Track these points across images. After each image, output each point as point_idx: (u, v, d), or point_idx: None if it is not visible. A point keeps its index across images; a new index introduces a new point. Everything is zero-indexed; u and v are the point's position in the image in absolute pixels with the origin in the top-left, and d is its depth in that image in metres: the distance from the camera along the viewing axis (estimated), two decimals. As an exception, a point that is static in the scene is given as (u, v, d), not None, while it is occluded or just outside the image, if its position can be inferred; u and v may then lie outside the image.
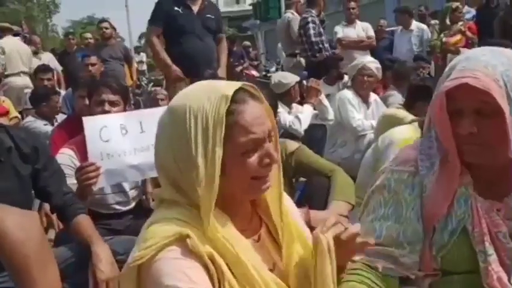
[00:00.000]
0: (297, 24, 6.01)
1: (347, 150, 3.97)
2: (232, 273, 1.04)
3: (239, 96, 1.07)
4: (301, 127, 3.75)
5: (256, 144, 1.07)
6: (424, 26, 7.05)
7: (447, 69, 1.25)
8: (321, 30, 5.88)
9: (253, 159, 1.07)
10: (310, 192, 2.30)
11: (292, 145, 2.41)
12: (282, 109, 3.76)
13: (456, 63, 1.24)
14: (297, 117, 3.77)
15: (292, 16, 6.31)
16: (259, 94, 1.11)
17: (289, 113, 3.89)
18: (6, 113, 2.96)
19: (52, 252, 1.35)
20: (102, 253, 1.91)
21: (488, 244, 1.22)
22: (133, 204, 2.72)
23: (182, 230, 1.03)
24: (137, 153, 2.44)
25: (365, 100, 4.14)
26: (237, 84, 1.08)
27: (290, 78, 4.04)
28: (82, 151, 2.44)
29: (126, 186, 2.65)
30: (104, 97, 2.56)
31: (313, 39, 5.73)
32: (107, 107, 2.53)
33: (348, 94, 4.10)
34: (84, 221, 2.09)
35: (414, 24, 6.97)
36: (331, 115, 4.02)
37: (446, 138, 1.24)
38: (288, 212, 1.22)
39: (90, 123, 2.40)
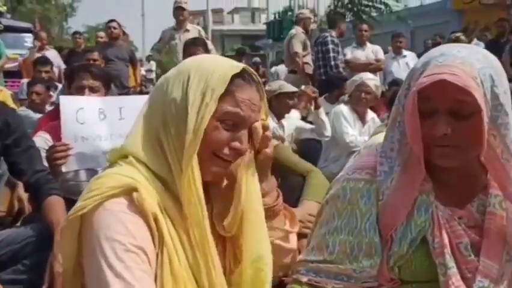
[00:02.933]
0: (298, 39, 6.14)
1: (338, 165, 3.88)
2: (179, 237, 1.04)
3: (247, 76, 1.11)
4: (284, 133, 3.74)
5: (237, 122, 1.08)
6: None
7: (418, 65, 1.19)
8: (339, 50, 6.08)
9: (226, 134, 1.08)
10: (285, 188, 2.19)
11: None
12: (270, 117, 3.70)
13: (429, 59, 1.17)
14: (280, 123, 3.77)
15: (295, 32, 6.39)
16: (263, 92, 1.15)
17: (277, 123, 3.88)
18: None
19: None
20: None
21: (449, 256, 1.17)
22: None
23: (131, 182, 1.02)
24: (114, 139, 2.37)
25: (362, 117, 4.14)
26: (248, 68, 1.13)
27: (287, 88, 4.03)
28: (58, 136, 2.39)
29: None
30: (84, 83, 2.51)
31: (331, 54, 5.88)
32: (86, 93, 2.48)
33: (343, 109, 4.11)
34: (55, 203, 2.02)
35: (406, 51, 7.00)
36: (328, 131, 4.02)
37: (415, 139, 1.17)
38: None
39: (67, 102, 2.36)
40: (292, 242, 1.26)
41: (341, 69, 5.86)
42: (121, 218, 1.00)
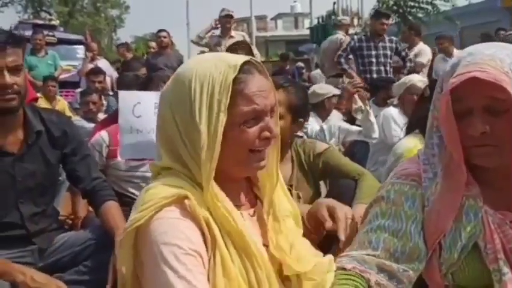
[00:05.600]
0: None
1: (390, 161, 3.79)
2: (225, 243, 1.05)
3: (246, 67, 1.09)
4: (327, 137, 3.73)
5: (257, 115, 1.09)
6: None
7: (448, 68, 1.18)
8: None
9: (253, 130, 1.09)
10: (335, 193, 2.20)
11: (322, 146, 2.36)
12: (312, 119, 3.75)
13: (458, 60, 1.16)
14: (321, 128, 3.78)
15: (344, 38, 6.35)
16: (265, 71, 1.12)
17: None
18: (35, 100, 3.11)
19: None
20: None
21: (503, 262, 1.15)
22: None
23: (181, 192, 1.04)
24: None
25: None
26: (245, 57, 1.10)
27: (326, 90, 4.03)
28: (116, 137, 2.60)
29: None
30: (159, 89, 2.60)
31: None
32: None
33: (393, 112, 4.05)
34: (111, 209, 2.10)
35: (456, 52, 6.79)
36: (376, 133, 3.95)
37: (453, 141, 1.15)
38: (282, 191, 1.22)
39: (125, 97, 2.51)
40: None
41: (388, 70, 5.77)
42: (177, 224, 1.02)
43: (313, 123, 3.77)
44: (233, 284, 1.03)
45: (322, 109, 4.01)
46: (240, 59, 1.09)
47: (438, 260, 1.20)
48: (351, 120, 4.48)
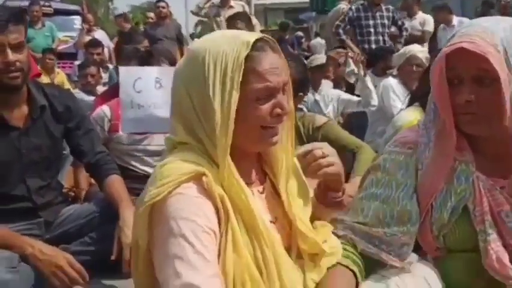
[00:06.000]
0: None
1: (388, 133, 3.81)
2: (236, 219, 1.08)
3: (259, 44, 1.10)
4: (322, 107, 3.75)
5: (270, 92, 1.10)
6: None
7: (450, 36, 1.23)
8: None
9: (265, 107, 1.10)
10: None
11: (321, 119, 2.39)
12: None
13: (456, 31, 1.22)
14: (315, 99, 3.77)
15: (346, 8, 6.27)
16: (278, 48, 1.13)
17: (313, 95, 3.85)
18: (38, 75, 3.16)
19: None
20: (129, 218, 1.94)
21: (489, 224, 1.20)
22: None
23: (199, 169, 1.06)
24: (169, 107, 2.52)
25: (410, 90, 3.90)
26: (257, 34, 1.12)
27: (317, 61, 4.02)
28: (117, 111, 2.63)
29: (154, 149, 2.77)
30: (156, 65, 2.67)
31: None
32: None
33: (392, 82, 4.01)
34: (115, 182, 2.15)
35: (456, 20, 6.73)
36: (375, 100, 3.95)
37: (444, 107, 1.21)
38: (295, 169, 1.24)
39: (126, 72, 2.55)
40: None
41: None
42: (195, 201, 1.04)
43: (308, 96, 3.80)
44: (242, 261, 1.05)
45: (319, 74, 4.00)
46: (253, 36, 1.10)
47: (430, 220, 1.24)
48: (339, 87, 4.47)
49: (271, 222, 1.16)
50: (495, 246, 1.19)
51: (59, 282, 1.80)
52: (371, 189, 1.31)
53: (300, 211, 1.19)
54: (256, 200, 1.14)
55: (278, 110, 1.11)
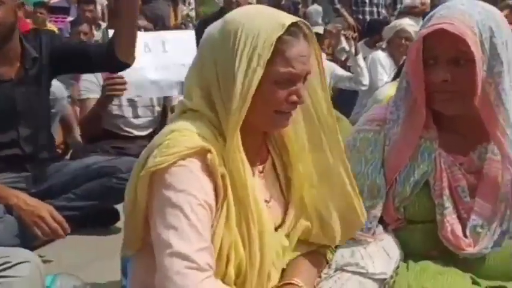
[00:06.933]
0: None
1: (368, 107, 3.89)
2: (232, 195, 1.09)
3: (293, 29, 1.10)
4: None
5: (291, 79, 1.10)
6: None
7: (426, 18, 1.28)
8: None
9: (283, 92, 1.11)
10: None
11: None
12: None
13: (434, 12, 1.26)
14: None
15: None
16: (312, 36, 1.14)
17: None
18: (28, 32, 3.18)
19: None
20: None
21: (446, 198, 1.25)
22: (145, 132, 2.94)
23: (205, 145, 1.06)
24: (158, 70, 2.67)
25: (398, 63, 4.06)
26: (295, 18, 1.12)
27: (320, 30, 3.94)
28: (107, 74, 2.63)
29: (141, 112, 2.88)
30: (139, 23, 2.76)
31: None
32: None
33: (380, 55, 4.06)
34: None
35: None
36: (366, 79, 3.96)
37: (417, 85, 1.25)
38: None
39: None
40: None
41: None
42: (196, 175, 1.05)
43: None
44: (231, 236, 1.07)
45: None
46: (289, 19, 1.10)
47: (393, 194, 1.29)
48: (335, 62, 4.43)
49: (265, 201, 1.18)
50: (450, 219, 1.25)
51: (40, 232, 1.88)
52: None
53: (312, 190, 1.21)
54: (255, 179, 1.15)
55: (294, 98, 1.12)
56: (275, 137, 1.22)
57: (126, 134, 2.90)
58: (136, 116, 2.91)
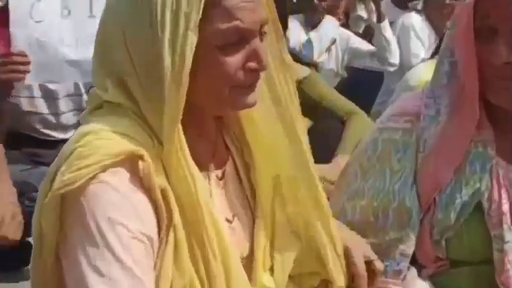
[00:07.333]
0: None
1: (397, 96, 3.60)
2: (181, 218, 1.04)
3: None
4: (314, 51, 3.47)
5: (241, 37, 1.02)
6: None
7: None
8: None
9: (236, 58, 1.02)
10: (316, 137, 2.03)
11: (301, 71, 2.20)
12: (297, 26, 3.47)
13: None
14: (308, 39, 3.51)
15: None
16: None
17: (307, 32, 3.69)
18: None
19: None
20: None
21: (507, 227, 1.19)
22: (71, 133, 2.60)
23: (134, 149, 0.98)
24: (81, 45, 2.31)
25: (439, 32, 3.68)
26: None
27: None
28: (7, 45, 2.30)
29: (63, 105, 2.56)
30: None
31: None
32: None
33: (415, 20, 3.72)
34: None
35: None
36: (393, 57, 3.65)
37: (468, 68, 1.20)
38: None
39: None
40: None
41: None
42: (126, 195, 0.97)
43: (298, 32, 3.50)
44: (183, 272, 0.99)
45: (313, 11, 3.68)
46: None
47: (431, 221, 1.23)
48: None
49: (226, 220, 1.11)
50: None
51: None
52: (355, 183, 1.30)
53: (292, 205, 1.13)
54: (211, 191, 1.09)
55: (252, 64, 1.03)
56: (232, 124, 1.18)
57: (45, 137, 2.60)
58: (56, 113, 2.57)
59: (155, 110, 1.00)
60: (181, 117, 1.00)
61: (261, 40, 1.06)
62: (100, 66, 1.08)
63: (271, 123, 1.13)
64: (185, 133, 1.01)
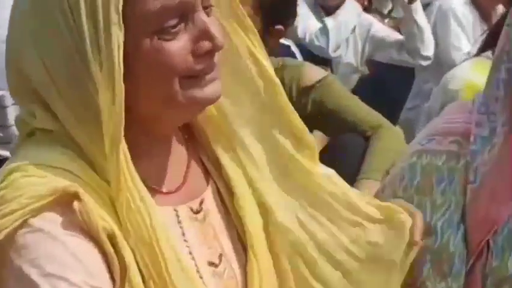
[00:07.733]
0: None
1: (435, 103, 3.46)
2: (137, 262, 0.99)
3: None
4: (330, 42, 3.22)
5: (180, 14, 0.99)
6: None
7: None
8: None
9: (180, 42, 0.98)
10: (332, 156, 1.90)
11: (313, 74, 2.09)
12: (309, 12, 3.30)
13: None
14: (324, 25, 3.29)
15: None
16: None
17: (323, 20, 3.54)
18: None
19: None
20: None
21: None
22: None
23: (67, 186, 0.96)
24: None
25: (487, 19, 3.49)
26: None
27: None
28: None
29: (10, 116, 2.46)
30: None
31: None
32: None
33: (457, 3, 3.44)
34: None
35: None
36: (427, 47, 3.39)
37: None
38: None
39: None
40: None
41: None
42: (64, 242, 0.93)
43: (307, 18, 3.27)
44: None
45: None
46: None
47: (483, 270, 1.14)
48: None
49: (210, 264, 1.06)
50: None
51: None
52: None
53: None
54: (185, 231, 1.03)
55: (204, 44, 0.98)
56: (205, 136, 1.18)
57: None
58: (4, 124, 2.48)
59: (89, 133, 0.98)
60: (122, 135, 0.96)
61: (208, 15, 1.02)
62: (18, 90, 1.05)
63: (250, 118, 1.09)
64: (136, 157, 0.99)
